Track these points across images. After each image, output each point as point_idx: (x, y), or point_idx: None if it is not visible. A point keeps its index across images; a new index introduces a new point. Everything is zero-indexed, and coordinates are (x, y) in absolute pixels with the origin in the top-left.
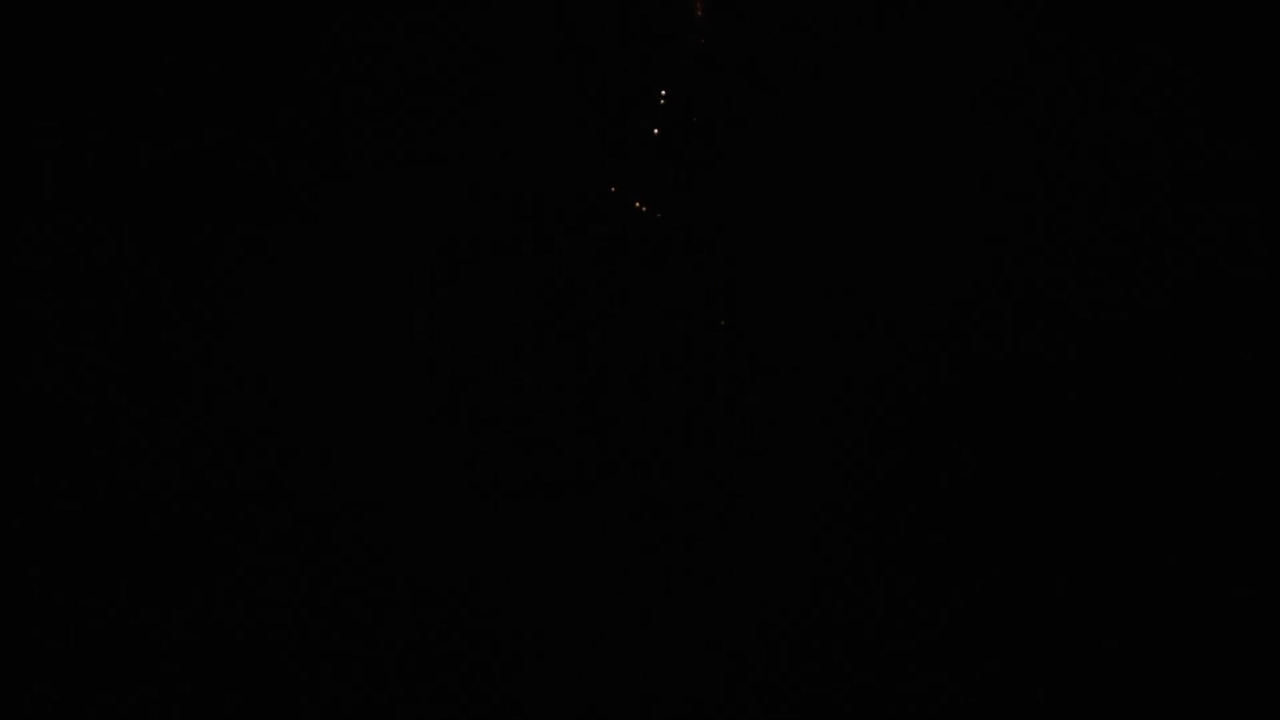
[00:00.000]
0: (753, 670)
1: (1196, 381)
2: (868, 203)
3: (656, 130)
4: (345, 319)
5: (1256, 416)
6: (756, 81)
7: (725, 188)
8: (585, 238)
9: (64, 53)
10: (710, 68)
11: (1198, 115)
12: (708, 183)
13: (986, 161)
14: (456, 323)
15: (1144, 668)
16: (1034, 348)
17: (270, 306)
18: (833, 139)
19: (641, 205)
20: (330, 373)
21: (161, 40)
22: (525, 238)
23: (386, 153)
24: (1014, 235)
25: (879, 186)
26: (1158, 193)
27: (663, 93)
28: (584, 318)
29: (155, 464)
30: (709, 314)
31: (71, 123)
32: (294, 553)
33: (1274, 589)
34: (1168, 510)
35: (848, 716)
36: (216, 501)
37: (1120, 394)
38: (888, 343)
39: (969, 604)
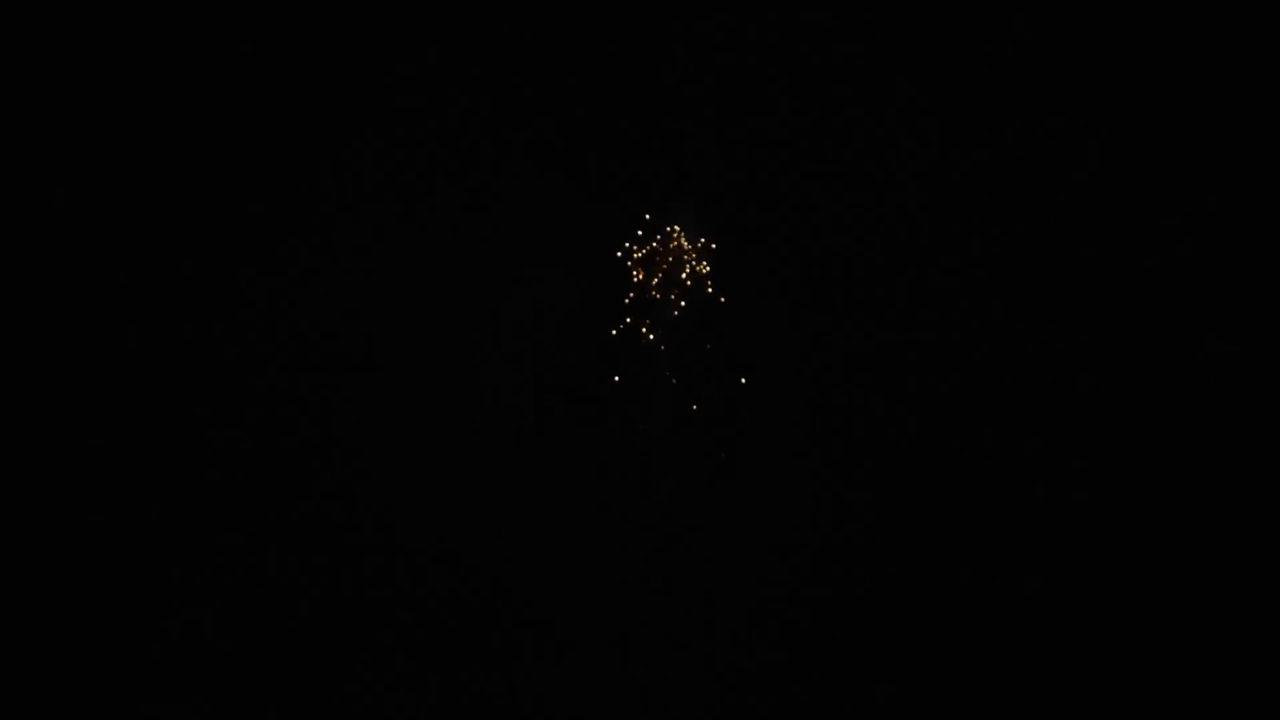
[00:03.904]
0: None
1: (1191, 381)
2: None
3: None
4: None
5: (1255, 416)
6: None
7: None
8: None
9: (66, 54)
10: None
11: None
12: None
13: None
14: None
15: (1132, 665)
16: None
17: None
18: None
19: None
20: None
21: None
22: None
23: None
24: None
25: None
26: (1149, 196)
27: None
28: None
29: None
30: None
31: (80, 125)
32: (297, 556)
33: (1270, 586)
34: (1163, 509)
35: (847, 716)
36: (226, 503)
37: (1113, 393)
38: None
39: (958, 606)
